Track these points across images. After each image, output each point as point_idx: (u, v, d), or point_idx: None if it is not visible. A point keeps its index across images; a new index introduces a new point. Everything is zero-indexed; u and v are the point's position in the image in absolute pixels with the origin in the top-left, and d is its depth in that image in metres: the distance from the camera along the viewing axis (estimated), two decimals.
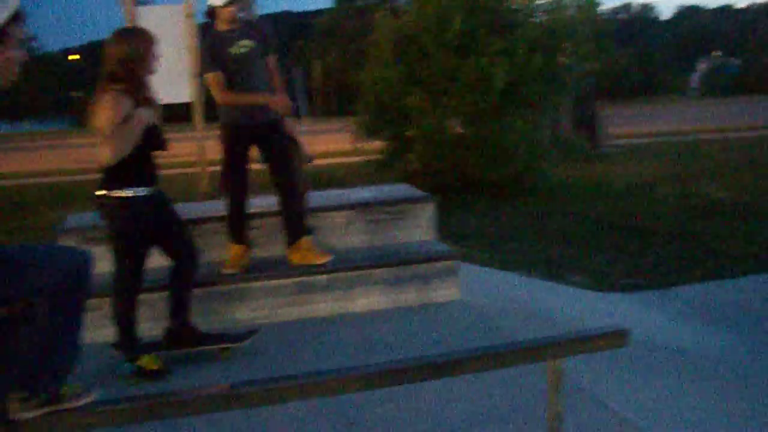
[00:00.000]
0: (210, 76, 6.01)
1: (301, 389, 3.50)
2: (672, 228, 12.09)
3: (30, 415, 3.22)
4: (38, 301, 3.24)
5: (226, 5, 5.91)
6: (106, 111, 4.76)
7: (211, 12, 5.99)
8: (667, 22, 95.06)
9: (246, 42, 5.98)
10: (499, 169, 15.72)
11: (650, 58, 67.24)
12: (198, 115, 8.84)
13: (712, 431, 4.86)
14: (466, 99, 15.14)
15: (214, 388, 3.53)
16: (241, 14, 6.06)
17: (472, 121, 15.59)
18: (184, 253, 5.33)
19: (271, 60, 6.26)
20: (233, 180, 6.21)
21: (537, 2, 17.10)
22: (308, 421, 4.48)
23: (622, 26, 75.19)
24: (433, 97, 15.50)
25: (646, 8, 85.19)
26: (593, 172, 18.77)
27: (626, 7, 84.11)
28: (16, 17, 3.12)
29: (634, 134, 28.94)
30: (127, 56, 4.86)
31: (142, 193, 4.94)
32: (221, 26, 5.99)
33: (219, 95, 6.02)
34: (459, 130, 16.25)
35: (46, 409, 3.26)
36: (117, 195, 4.90)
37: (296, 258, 6.37)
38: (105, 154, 4.75)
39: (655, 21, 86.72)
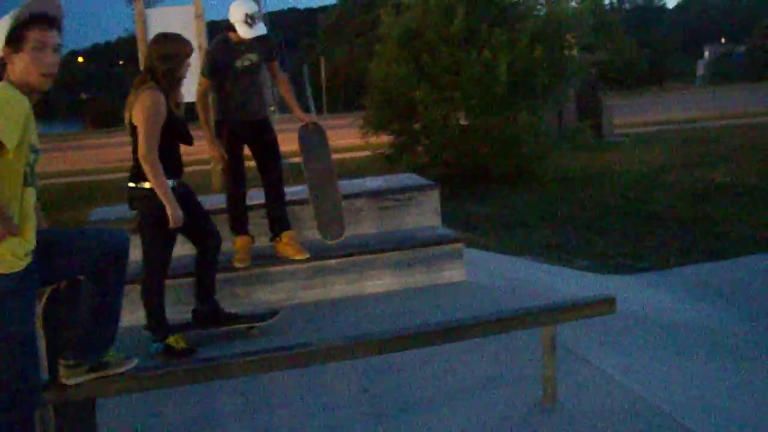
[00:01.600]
0: (201, 81, 6.38)
1: (326, 353, 3.88)
2: (676, 212, 12.31)
3: (79, 380, 3.60)
4: (84, 278, 3.61)
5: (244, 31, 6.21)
6: (146, 108, 5.15)
7: (230, 26, 6.27)
8: (674, 9, 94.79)
9: (251, 56, 6.32)
10: (506, 160, 15.99)
11: (657, 47, 67.07)
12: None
13: (705, 396, 5.18)
14: (471, 91, 15.35)
15: (245, 354, 3.90)
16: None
17: (478, 113, 15.76)
18: (208, 240, 5.72)
19: (273, 65, 6.64)
20: (231, 174, 6.54)
21: None
22: (326, 388, 4.86)
23: (629, 15, 75.03)
24: (439, 91, 15.71)
25: None
26: (599, 160, 18.94)
27: None
28: (36, 20, 3.29)
29: (641, 123, 29.05)
30: (168, 57, 5.26)
31: (169, 185, 5.25)
32: (234, 38, 6.26)
33: (198, 100, 6.42)
34: (465, 122, 16.45)
35: (93, 375, 3.64)
36: (146, 186, 5.25)
37: (278, 250, 6.72)
38: (144, 148, 5.12)
39: (662, 9, 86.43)
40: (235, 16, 6.20)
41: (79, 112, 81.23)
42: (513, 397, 4.59)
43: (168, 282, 5.97)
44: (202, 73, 6.37)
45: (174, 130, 5.31)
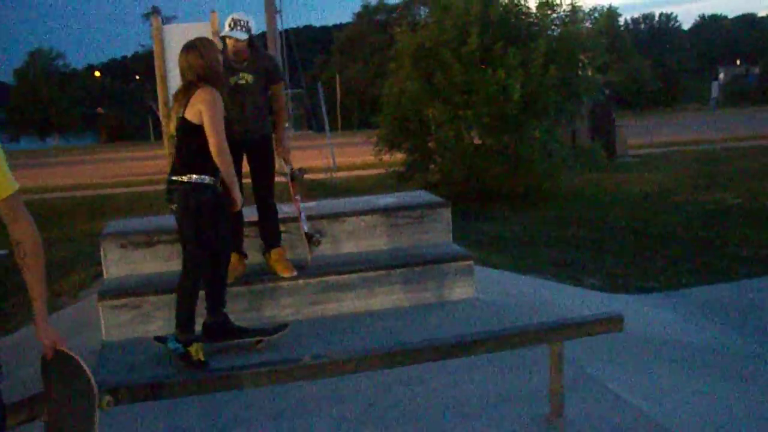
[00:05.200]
0: None
1: (334, 366, 3.94)
2: (686, 233, 12.36)
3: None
4: None
5: (226, 36, 6.39)
6: (208, 101, 5.38)
7: (222, 39, 6.47)
8: (689, 31, 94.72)
9: (246, 76, 6.44)
10: (518, 179, 16.08)
11: (671, 68, 67.06)
12: None
13: (711, 416, 5.21)
14: (484, 110, 15.44)
15: (254, 366, 3.97)
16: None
17: (491, 131, 15.86)
18: (222, 251, 5.83)
19: (275, 89, 6.71)
20: None
21: (552, 15, 17.34)
22: (331, 402, 4.91)
23: (644, 36, 75.10)
24: (452, 109, 15.81)
25: (668, 18, 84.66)
26: (610, 180, 19.01)
27: (648, 17, 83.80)
28: None
29: (653, 143, 29.09)
30: (216, 60, 5.56)
31: (209, 181, 5.47)
32: (229, 54, 6.41)
33: None
34: (478, 140, 16.55)
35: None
36: (188, 180, 5.44)
37: (269, 266, 6.84)
38: (214, 137, 5.37)
39: (677, 30, 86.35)
40: (226, 20, 6.42)
41: (95, 126, 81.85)
42: (520, 412, 4.63)
43: (173, 296, 6.08)
44: None
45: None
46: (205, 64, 5.48)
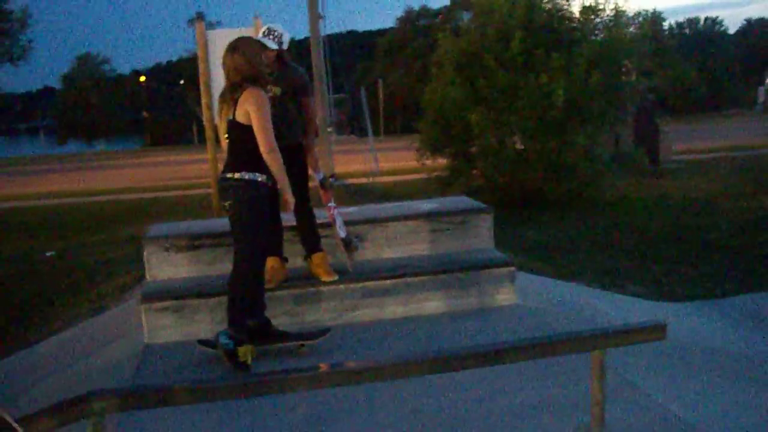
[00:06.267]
0: None
1: (376, 372, 3.94)
2: (730, 240, 12.18)
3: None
4: None
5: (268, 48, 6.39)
6: (255, 101, 5.50)
7: None
8: (735, 35, 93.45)
9: (274, 88, 6.46)
10: (560, 184, 15.99)
11: (717, 72, 66.18)
12: None
13: (756, 426, 5.14)
14: (527, 115, 15.41)
15: (298, 371, 3.98)
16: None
17: (534, 137, 15.80)
18: (267, 249, 5.92)
19: (303, 103, 6.72)
20: None
21: (596, 20, 17.22)
22: (373, 409, 4.92)
23: (689, 41, 74.23)
24: (495, 114, 15.77)
25: (714, 22, 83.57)
26: (653, 186, 18.81)
27: (693, 21, 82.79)
28: None
29: (698, 149, 28.76)
30: (258, 59, 5.70)
31: (261, 179, 5.57)
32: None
33: None
34: (520, 146, 16.49)
35: None
36: (240, 177, 5.55)
37: (310, 271, 6.88)
38: (263, 137, 5.48)
39: (723, 34, 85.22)
40: (262, 28, 6.53)
41: (140, 130, 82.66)
42: (561, 421, 4.61)
43: (216, 300, 6.14)
44: None
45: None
46: (248, 64, 5.55)
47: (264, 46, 6.31)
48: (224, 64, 5.68)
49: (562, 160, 15.64)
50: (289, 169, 6.59)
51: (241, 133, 5.54)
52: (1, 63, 20.82)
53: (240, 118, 5.51)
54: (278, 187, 5.66)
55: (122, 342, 7.06)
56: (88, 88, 72.46)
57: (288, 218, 6.60)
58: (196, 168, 29.82)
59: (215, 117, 8.58)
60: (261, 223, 5.63)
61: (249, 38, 5.89)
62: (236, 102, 5.54)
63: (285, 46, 6.54)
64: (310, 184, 6.85)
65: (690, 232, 13.01)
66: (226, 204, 5.66)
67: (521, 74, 15.54)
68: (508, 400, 4.98)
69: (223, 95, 5.76)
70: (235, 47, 5.64)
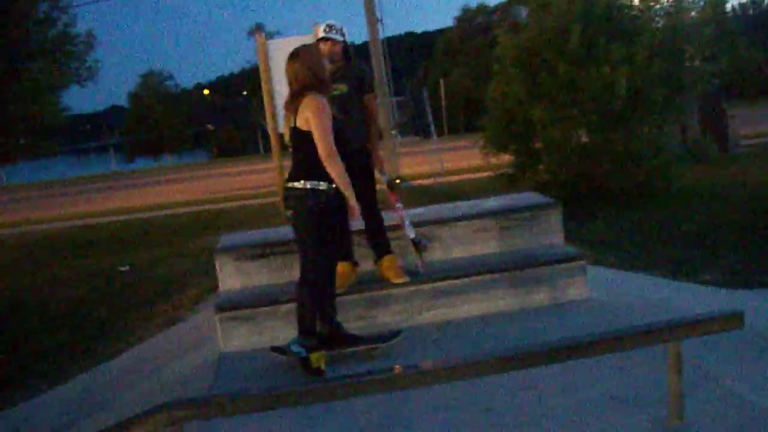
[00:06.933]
0: None
1: (449, 372, 3.96)
2: None
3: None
4: None
5: (321, 39, 6.52)
6: (314, 108, 5.53)
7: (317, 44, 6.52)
8: None
9: (340, 86, 6.47)
10: (627, 176, 15.78)
11: None
12: None
13: None
14: (589, 108, 15.25)
15: (373, 373, 4.00)
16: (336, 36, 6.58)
17: (597, 129, 15.62)
18: (336, 255, 5.96)
19: (367, 99, 6.74)
20: None
21: (656, 7, 16.97)
22: (450, 408, 4.93)
23: (754, 22, 72.73)
24: (558, 109, 15.64)
25: None
26: (723, 174, 18.45)
27: (757, 2, 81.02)
28: None
29: (766, 133, 28.15)
30: (319, 66, 5.73)
31: (324, 187, 5.58)
32: (325, 57, 6.35)
33: None
34: (585, 139, 16.33)
35: None
36: (303, 186, 5.58)
37: (381, 273, 6.89)
38: (323, 145, 5.49)
39: None
40: (320, 26, 6.58)
41: (206, 143, 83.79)
42: (637, 415, 4.55)
43: (287, 307, 6.20)
44: None
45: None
46: (308, 71, 5.60)
47: (333, 42, 6.40)
48: (286, 72, 5.75)
49: (628, 152, 15.44)
50: (357, 172, 6.64)
51: (302, 141, 5.59)
52: (70, 85, 21.24)
53: (301, 125, 5.56)
54: (343, 194, 5.66)
55: (199, 351, 7.18)
56: (152, 105, 73.63)
57: (357, 222, 6.65)
58: (263, 177, 30.16)
59: (280, 126, 8.67)
60: (325, 231, 5.63)
61: (310, 46, 5.93)
62: (297, 109, 5.59)
63: (347, 38, 6.60)
64: (377, 186, 6.87)
65: (763, 218, 12.73)
66: (288, 213, 5.71)
67: (582, 67, 15.38)
68: (582, 395, 4.93)
69: (286, 104, 5.82)
70: (295, 55, 5.70)
